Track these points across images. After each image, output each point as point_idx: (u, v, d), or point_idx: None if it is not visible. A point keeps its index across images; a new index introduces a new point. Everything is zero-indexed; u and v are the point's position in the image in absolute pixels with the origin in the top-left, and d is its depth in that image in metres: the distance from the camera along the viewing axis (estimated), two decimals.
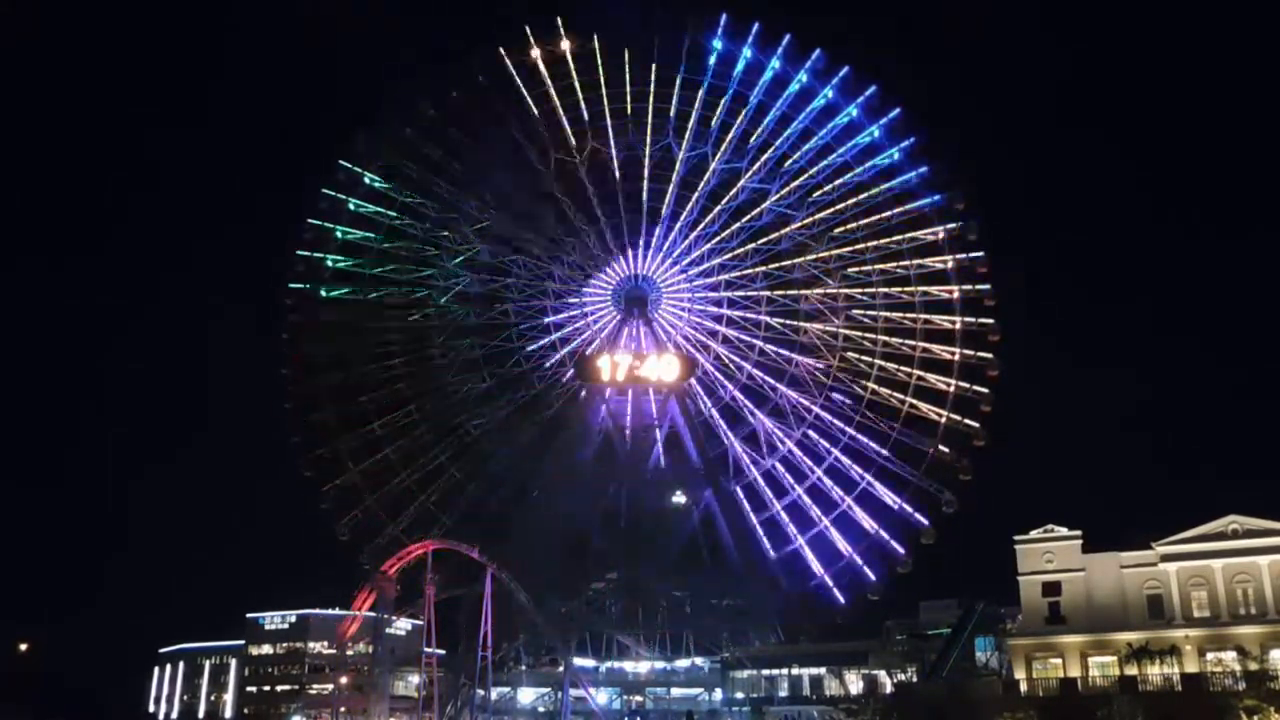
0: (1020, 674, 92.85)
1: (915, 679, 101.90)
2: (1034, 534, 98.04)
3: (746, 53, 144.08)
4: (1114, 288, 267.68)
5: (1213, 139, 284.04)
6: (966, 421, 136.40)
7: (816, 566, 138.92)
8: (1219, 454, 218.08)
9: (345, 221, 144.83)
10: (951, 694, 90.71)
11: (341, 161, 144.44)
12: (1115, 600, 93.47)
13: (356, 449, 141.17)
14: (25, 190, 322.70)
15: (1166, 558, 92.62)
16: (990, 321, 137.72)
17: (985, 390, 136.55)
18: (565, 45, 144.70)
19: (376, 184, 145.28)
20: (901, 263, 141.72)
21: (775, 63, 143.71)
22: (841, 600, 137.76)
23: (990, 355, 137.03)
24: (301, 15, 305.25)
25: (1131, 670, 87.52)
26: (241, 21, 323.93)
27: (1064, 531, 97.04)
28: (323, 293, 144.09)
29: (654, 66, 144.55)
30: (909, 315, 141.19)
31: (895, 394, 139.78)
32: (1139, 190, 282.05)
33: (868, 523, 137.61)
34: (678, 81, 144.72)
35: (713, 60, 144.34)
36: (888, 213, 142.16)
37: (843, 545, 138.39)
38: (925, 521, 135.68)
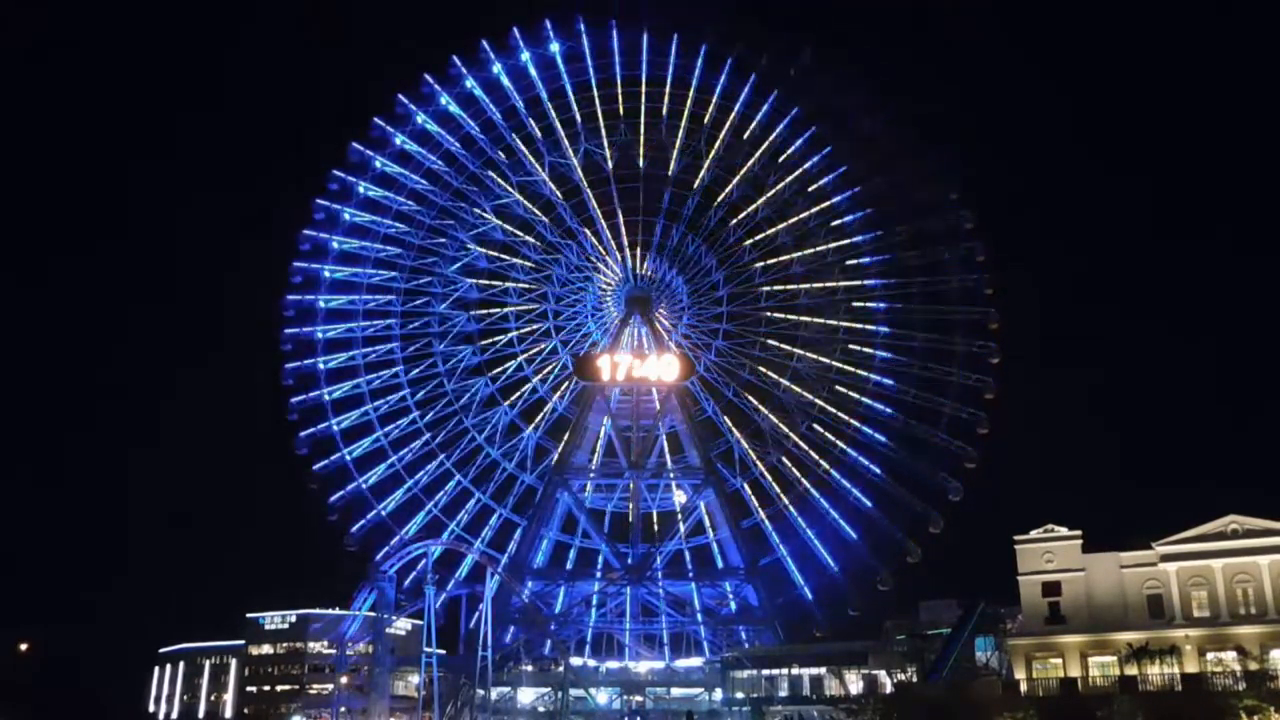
0: (1020, 674, 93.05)
1: (915, 679, 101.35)
2: (1034, 534, 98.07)
3: (737, 49, 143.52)
4: (1114, 288, 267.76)
5: (1221, 135, 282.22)
6: (970, 410, 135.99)
7: (828, 560, 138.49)
8: (1219, 455, 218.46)
9: (341, 231, 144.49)
10: (951, 694, 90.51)
11: (335, 171, 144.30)
12: (1115, 600, 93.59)
13: (361, 459, 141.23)
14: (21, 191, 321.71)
15: (1166, 558, 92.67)
16: (990, 310, 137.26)
17: (988, 378, 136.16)
18: (555, 48, 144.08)
19: (372, 193, 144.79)
20: (900, 253, 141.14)
21: (765, 59, 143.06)
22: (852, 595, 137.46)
23: (992, 344, 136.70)
24: (296, 20, 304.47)
25: (1131, 670, 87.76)
26: (237, 24, 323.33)
27: (1064, 531, 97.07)
28: (321, 303, 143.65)
29: (645, 66, 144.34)
30: (909, 306, 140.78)
31: (898, 385, 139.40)
32: (1141, 190, 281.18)
33: (875, 514, 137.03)
34: (669, 80, 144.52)
35: (702, 58, 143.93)
36: (884, 204, 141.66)
37: (851, 537, 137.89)
38: (932, 510, 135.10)
